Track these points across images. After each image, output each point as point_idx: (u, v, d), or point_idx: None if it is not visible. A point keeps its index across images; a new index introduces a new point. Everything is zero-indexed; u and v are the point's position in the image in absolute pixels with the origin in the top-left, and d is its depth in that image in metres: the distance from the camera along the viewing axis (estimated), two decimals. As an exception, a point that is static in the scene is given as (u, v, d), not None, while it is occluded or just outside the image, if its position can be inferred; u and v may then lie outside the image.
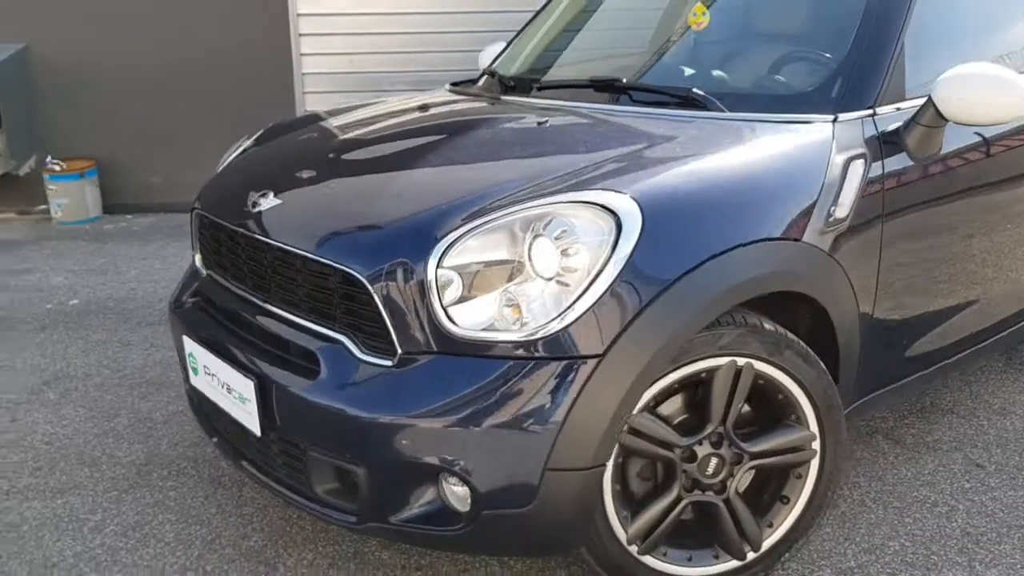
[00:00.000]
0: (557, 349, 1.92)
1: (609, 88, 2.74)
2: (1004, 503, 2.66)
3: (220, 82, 5.97)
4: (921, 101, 2.42)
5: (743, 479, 2.27)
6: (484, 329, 1.95)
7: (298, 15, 5.98)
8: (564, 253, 1.94)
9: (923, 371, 2.70)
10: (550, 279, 1.94)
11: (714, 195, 2.11)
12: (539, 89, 2.91)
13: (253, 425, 2.21)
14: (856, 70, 2.48)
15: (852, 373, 2.45)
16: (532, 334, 1.93)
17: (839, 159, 2.29)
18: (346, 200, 2.25)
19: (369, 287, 2.00)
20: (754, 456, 2.21)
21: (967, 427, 3.08)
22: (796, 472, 2.27)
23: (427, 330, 1.97)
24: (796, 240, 2.17)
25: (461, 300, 1.96)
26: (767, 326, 2.14)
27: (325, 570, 2.38)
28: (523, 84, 3.01)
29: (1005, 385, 3.38)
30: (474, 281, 1.96)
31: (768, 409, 2.23)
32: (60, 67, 5.81)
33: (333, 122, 2.91)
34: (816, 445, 2.25)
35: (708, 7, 2.98)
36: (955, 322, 2.71)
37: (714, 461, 2.17)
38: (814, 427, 2.23)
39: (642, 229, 1.96)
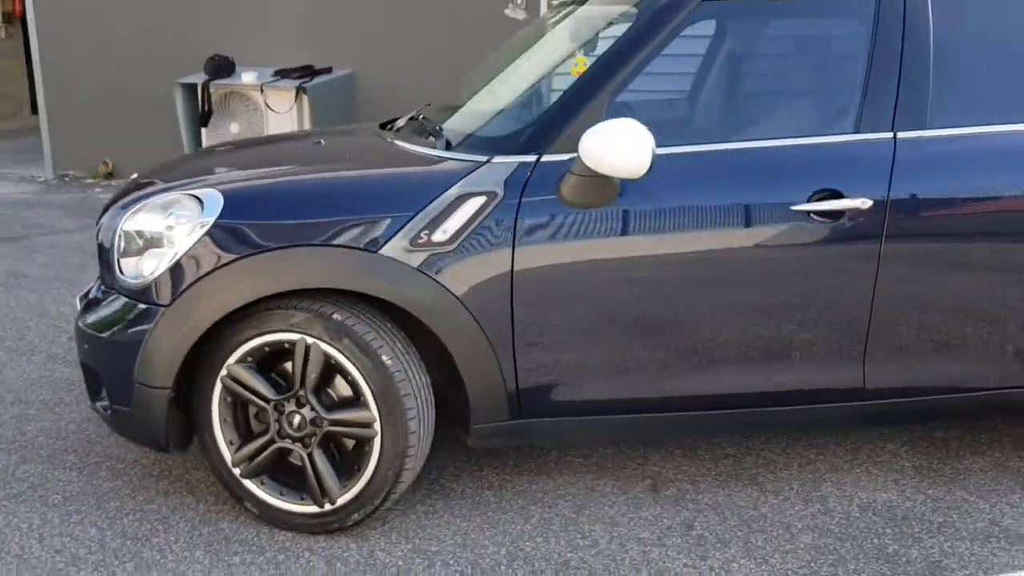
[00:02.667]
0: (148, 297, 2.68)
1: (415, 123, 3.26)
2: (648, 560, 2.67)
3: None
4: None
5: (343, 441, 2.75)
6: (133, 278, 2.76)
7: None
8: (169, 228, 2.68)
9: (598, 415, 2.82)
10: (163, 247, 2.69)
11: (301, 203, 2.67)
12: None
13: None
14: (543, 120, 2.75)
15: (491, 389, 2.73)
16: (142, 285, 2.70)
17: (456, 193, 2.63)
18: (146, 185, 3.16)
19: (101, 241, 2.93)
20: (331, 423, 2.68)
21: (764, 504, 2.95)
22: (366, 446, 2.68)
23: (112, 273, 2.83)
24: (372, 252, 2.60)
25: (126, 255, 2.79)
26: (335, 316, 2.62)
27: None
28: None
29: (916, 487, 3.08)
30: (136, 243, 2.78)
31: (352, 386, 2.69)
32: (374, 89, 7.37)
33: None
34: (377, 427, 2.64)
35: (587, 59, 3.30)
36: (620, 381, 2.77)
37: (297, 418, 2.70)
38: (374, 411, 2.63)
39: (218, 218, 2.62)
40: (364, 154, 3.05)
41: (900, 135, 2.77)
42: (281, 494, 2.79)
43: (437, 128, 3.00)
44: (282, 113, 7.11)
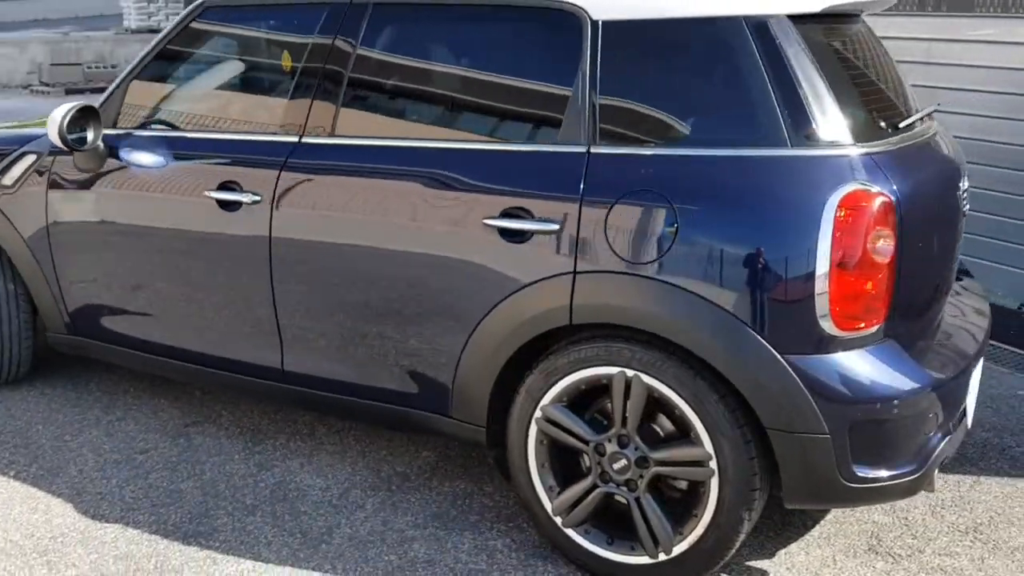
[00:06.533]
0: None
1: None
2: (77, 471, 3.29)
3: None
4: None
5: None
6: None
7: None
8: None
9: (139, 352, 3.41)
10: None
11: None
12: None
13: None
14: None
15: (51, 306, 3.56)
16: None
17: (22, 150, 3.49)
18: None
19: None
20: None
21: (223, 453, 3.35)
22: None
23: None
24: (-34, 188, 3.58)
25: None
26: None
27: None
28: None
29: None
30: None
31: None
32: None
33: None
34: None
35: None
36: (203, 330, 3.23)
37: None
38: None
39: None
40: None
41: (305, 139, 2.93)
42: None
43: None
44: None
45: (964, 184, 2.82)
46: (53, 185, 3.42)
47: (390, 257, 2.79)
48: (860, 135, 2.43)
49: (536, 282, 2.56)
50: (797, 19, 2.50)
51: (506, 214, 2.59)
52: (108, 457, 3.32)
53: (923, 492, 2.51)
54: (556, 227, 2.52)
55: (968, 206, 2.87)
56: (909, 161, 2.55)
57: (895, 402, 2.36)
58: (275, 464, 3.28)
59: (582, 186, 2.50)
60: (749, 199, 2.37)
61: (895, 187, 2.37)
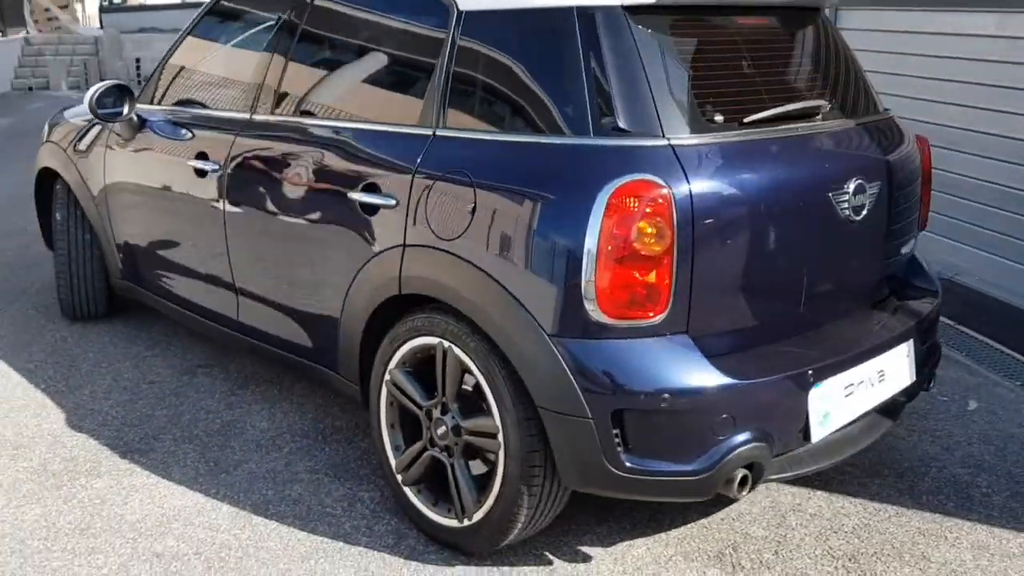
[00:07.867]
0: None
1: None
2: (85, 387, 3.89)
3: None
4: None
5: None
6: None
7: None
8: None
9: (162, 299, 3.97)
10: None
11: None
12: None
13: None
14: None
15: (111, 252, 4.21)
16: None
17: (93, 120, 4.14)
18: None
19: None
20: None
21: (205, 395, 3.81)
22: (57, 266, 4.42)
23: None
24: (59, 146, 4.29)
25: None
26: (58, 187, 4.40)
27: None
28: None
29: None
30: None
31: None
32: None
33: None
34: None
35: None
36: (194, 283, 3.73)
37: None
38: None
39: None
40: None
41: (254, 117, 3.32)
42: None
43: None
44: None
45: (851, 187, 2.65)
46: (109, 151, 4.06)
47: (292, 225, 3.11)
48: (675, 128, 2.41)
49: (381, 253, 2.77)
50: (650, 12, 2.51)
51: (364, 188, 2.82)
52: (121, 384, 3.90)
53: (852, 513, 2.42)
54: (394, 203, 2.72)
55: (863, 212, 2.69)
56: (739, 157, 2.47)
57: (664, 396, 2.33)
58: (242, 405, 3.70)
59: (416, 165, 2.68)
60: (536, 184, 2.44)
61: (692, 181, 2.34)
